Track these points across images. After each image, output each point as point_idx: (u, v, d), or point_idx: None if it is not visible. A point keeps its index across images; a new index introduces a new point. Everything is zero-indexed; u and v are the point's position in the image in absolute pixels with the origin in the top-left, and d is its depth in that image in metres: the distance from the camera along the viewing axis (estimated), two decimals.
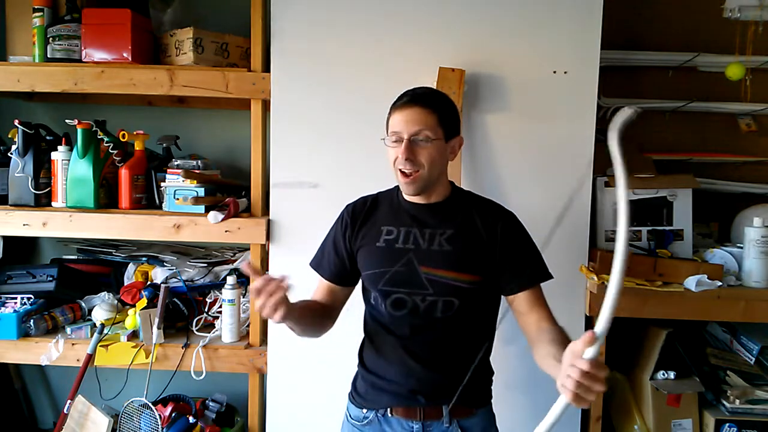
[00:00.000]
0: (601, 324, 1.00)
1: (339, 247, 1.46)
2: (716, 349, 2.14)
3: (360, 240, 1.43)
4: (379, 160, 1.90)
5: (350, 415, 1.48)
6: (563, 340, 1.23)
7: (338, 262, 1.46)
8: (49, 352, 2.04)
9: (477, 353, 1.44)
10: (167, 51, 2.09)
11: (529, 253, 1.42)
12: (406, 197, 1.42)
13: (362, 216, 1.45)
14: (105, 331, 2.07)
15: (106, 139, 2.11)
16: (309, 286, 1.87)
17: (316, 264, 1.51)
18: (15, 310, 2.07)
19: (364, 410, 1.43)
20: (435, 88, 1.56)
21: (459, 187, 1.49)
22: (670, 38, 2.40)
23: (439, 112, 1.34)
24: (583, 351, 1.01)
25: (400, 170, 1.34)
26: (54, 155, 2.11)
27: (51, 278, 2.19)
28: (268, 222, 2.00)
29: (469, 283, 1.35)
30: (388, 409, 1.39)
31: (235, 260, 2.32)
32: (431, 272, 1.35)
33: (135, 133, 2.15)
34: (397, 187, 1.47)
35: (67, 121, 2.09)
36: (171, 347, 2.05)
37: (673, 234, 2.06)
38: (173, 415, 2.01)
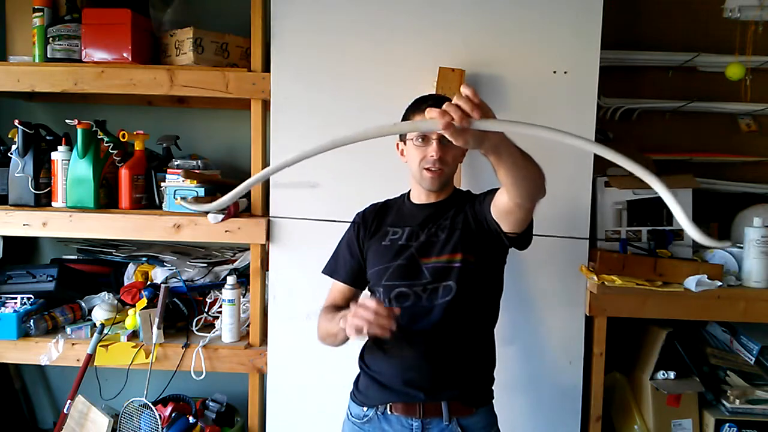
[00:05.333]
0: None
1: (354, 250, 1.52)
2: (716, 349, 2.14)
3: (370, 241, 1.49)
4: (379, 160, 1.91)
5: (351, 414, 1.49)
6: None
7: (354, 264, 1.51)
8: (49, 352, 2.04)
9: (475, 347, 1.44)
10: (167, 51, 2.09)
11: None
12: (413, 200, 1.50)
13: (372, 219, 1.52)
14: (105, 331, 2.07)
15: (106, 139, 2.10)
16: (310, 286, 1.87)
17: (331, 270, 1.55)
18: (15, 310, 2.07)
19: (365, 408, 1.45)
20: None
21: (458, 189, 1.55)
22: (670, 38, 2.40)
23: None
24: None
25: (426, 168, 1.39)
26: (54, 155, 2.11)
27: (51, 278, 2.18)
28: (268, 222, 2.00)
29: (463, 262, 1.37)
30: (388, 407, 1.40)
31: (235, 260, 2.32)
32: (429, 261, 1.40)
33: (135, 133, 2.15)
34: (403, 195, 1.54)
35: (67, 121, 2.09)
36: (171, 347, 2.05)
37: (673, 234, 2.06)
38: (173, 415, 2.01)
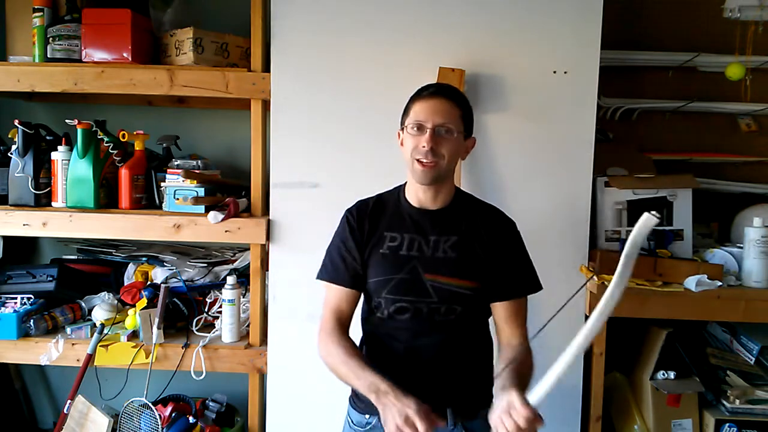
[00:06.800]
0: (536, 396, 1.12)
1: (352, 251, 1.40)
2: (716, 349, 2.14)
3: (366, 244, 1.40)
4: (379, 159, 1.92)
5: (352, 421, 1.46)
6: (519, 366, 1.31)
7: (354, 265, 1.40)
8: (49, 352, 2.04)
9: (478, 355, 1.44)
10: (167, 51, 2.09)
11: (521, 264, 1.42)
12: (411, 201, 1.41)
13: (367, 219, 1.42)
14: (105, 331, 2.07)
15: (106, 139, 2.11)
16: (310, 286, 1.86)
17: (329, 276, 1.42)
18: (15, 310, 2.07)
19: (367, 416, 1.42)
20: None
21: (461, 191, 1.48)
22: (670, 38, 2.40)
23: (462, 108, 1.36)
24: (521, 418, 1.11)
25: (417, 159, 1.32)
26: (54, 155, 2.11)
27: (51, 278, 2.18)
28: (268, 222, 2.00)
29: (470, 289, 1.36)
30: None
31: (235, 260, 2.32)
32: (435, 279, 1.35)
33: (135, 133, 2.15)
34: (398, 189, 1.46)
35: (67, 121, 2.09)
36: (171, 347, 2.05)
37: (673, 234, 2.06)
38: (173, 415, 2.01)
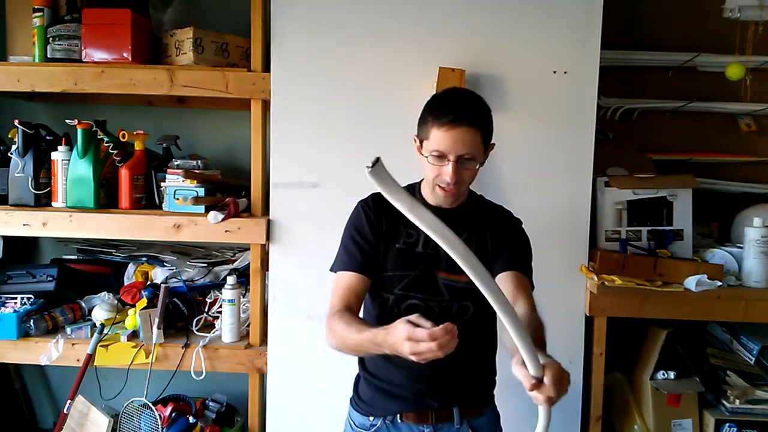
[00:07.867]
0: (532, 367, 1.09)
1: (367, 236, 1.38)
2: (716, 349, 2.14)
3: (383, 236, 1.38)
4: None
5: (354, 423, 1.45)
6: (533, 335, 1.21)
7: (370, 251, 1.37)
8: (49, 352, 2.04)
9: (484, 355, 1.44)
10: (167, 51, 2.09)
11: (523, 251, 1.42)
12: (427, 199, 1.41)
13: (385, 212, 1.39)
14: (105, 331, 2.07)
15: (106, 139, 2.10)
16: (310, 286, 1.87)
17: (344, 266, 1.38)
18: (15, 310, 2.07)
19: (371, 417, 1.42)
20: (472, 91, 1.41)
21: (473, 192, 1.48)
22: (670, 38, 2.40)
23: (484, 131, 1.31)
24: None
25: (439, 186, 1.32)
26: (54, 155, 2.11)
27: (51, 278, 2.18)
28: (268, 222, 2.00)
29: None
30: (398, 416, 1.38)
31: (235, 260, 2.32)
32: (448, 277, 1.36)
33: (135, 133, 2.15)
34: (414, 187, 1.46)
35: (67, 121, 2.08)
36: (171, 347, 2.05)
37: (673, 234, 2.06)
38: (173, 415, 2.01)
